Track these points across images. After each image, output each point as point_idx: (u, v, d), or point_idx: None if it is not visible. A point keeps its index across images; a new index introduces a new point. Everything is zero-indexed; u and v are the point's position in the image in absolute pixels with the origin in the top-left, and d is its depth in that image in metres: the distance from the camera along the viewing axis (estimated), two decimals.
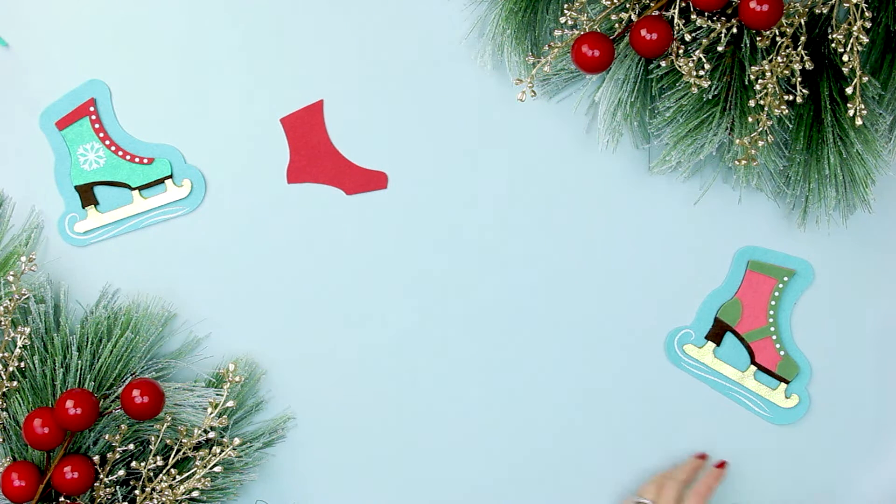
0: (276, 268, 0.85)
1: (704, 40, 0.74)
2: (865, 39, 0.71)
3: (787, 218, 0.84)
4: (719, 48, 0.74)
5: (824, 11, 0.74)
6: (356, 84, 0.85)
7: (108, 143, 0.84)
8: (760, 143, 0.73)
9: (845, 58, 0.72)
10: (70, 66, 0.84)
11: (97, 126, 0.84)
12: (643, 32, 0.71)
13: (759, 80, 0.73)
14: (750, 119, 0.74)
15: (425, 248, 0.85)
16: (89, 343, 0.80)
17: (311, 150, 0.84)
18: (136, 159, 0.85)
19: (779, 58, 0.74)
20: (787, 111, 0.75)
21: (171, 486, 0.78)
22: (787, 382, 0.85)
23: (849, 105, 0.72)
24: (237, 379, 0.79)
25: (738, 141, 0.74)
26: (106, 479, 0.78)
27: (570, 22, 0.74)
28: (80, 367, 0.79)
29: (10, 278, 0.77)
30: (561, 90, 0.84)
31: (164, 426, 0.78)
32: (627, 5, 0.74)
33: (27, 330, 0.77)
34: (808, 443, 0.86)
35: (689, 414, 0.86)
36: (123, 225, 0.85)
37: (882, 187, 0.82)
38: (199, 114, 0.85)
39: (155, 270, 0.85)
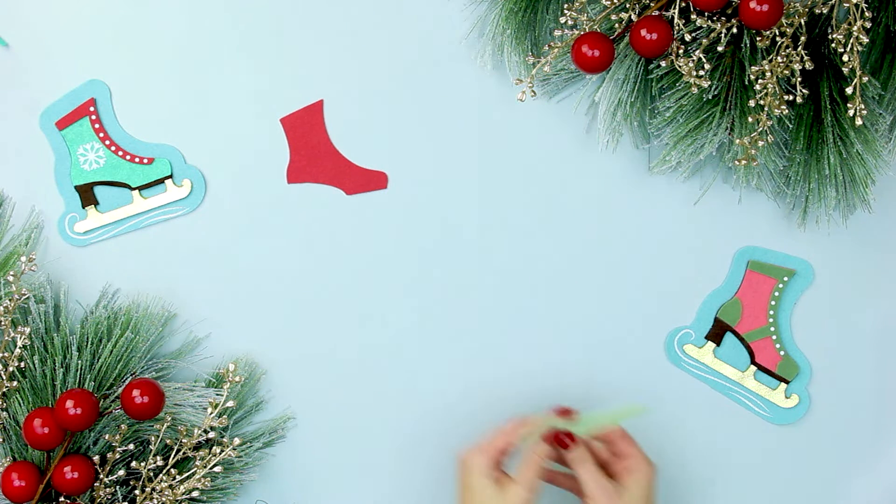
0: (276, 268, 0.85)
1: (704, 40, 0.74)
2: (865, 39, 0.71)
3: (787, 218, 0.84)
4: (719, 48, 0.74)
5: (824, 11, 0.74)
6: (356, 84, 0.85)
7: (108, 143, 0.84)
8: (760, 143, 0.73)
9: (845, 58, 0.72)
10: (70, 66, 0.84)
11: (97, 126, 0.84)
12: (643, 32, 0.71)
13: (759, 80, 0.73)
14: (750, 119, 0.74)
15: (425, 248, 0.85)
16: (89, 343, 0.80)
17: (311, 150, 0.84)
18: (136, 159, 0.85)
19: (779, 58, 0.74)
20: (787, 111, 0.75)
21: (171, 486, 0.78)
22: (787, 382, 0.85)
23: (849, 105, 0.72)
24: (237, 379, 0.79)
25: (738, 141, 0.74)
26: (106, 479, 0.78)
27: (570, 22, 0.74)
28: (80, 367, 0.79)
29: (10, 278, 0.77)
30: (561, 90, 0.84)
31: (164, 426, 0.78)
32: (627, 5, 0.74)
33: (27, 330, 0.77)
34: (808, 443, 0.86)
35: (689, 414, 0.86)
36: (123, 225, 0.85)
37: (882, 187, 0.82)
38: (199, 114, 0.85)
39: (155, 270, 0.85)
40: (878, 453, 0.86)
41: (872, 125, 0.76)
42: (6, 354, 0.77)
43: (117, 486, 0.79)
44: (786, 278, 0.84)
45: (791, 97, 0.74)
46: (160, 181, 0.85)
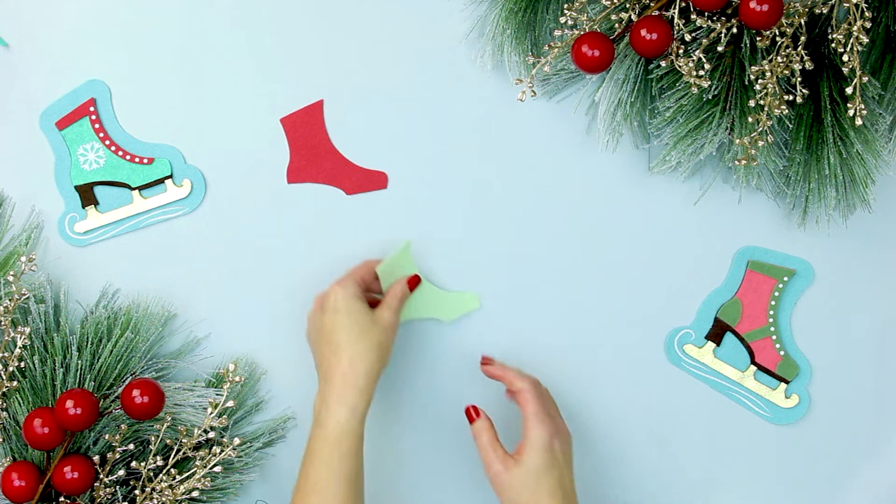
0: (276, 268, 0.85)
1: (704, 40, 0.74)
2: (865, 39, 0.71)
3: (787, 218, 0.84)
4: (719, 48, 0.74)
5: (824, 11, 0.74)
6: (356, 84, 0.85)
7: (108, 143, 0.84)
8: (760, 143, 0.73)
9: (845, 58, 0.72)
10: (70, 66, 0.84)
11: (97, 126, 0.84)
12: (643, 32, 0.71)
13: (759, 80, 0.73)
14: (750, 119, 0.74)
15: (425, 247, 0.85)
16: (89, 343, 0.80)
17: (311, 150, 0.84)
18: (136, 159, 0.85)
19: (779, 58, 0.74)
20: (787, 111, 0.75)
21: (171, 486, 0.78)
22: (787, 382, 0.85)
23: (849, 105, 0.72)
24: (237, 379, 0.79)
25: (738, 141, 0.74)
26: (106, 479, 0.78)
27: (570, 22, 0.74)
28: (80, 367, 0.79)
29: (10, 278, 0.77)
30: (561, 90, 0.84)
31: (164, 426, 0.78)
32: (627, 5, 0.74)
33: (27, 330, 0.77)
34: (808, 443, 0.86)
35: (689, 414, 0.86)
36: (123, 225, 0.85)
37: (882, 187, 0.82)
38: (199, 114, 0.85)
39: (155, 270, 0.85)
40: (878, 453, 0.86)
41: (872, 125, 0.76)
42: (6, 354, 0.77)
43: (117, 486, 0.79)
44: (786, 278, 0.84)
45: (791, 97, 0.74)
46: (160, 181, 0.85)
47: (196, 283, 0.85)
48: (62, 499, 0.76)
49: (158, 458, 0.78)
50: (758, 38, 0.74)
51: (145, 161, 0.85)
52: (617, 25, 0.75)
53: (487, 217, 0.85)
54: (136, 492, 0.78)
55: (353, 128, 0.85)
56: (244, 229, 0.85)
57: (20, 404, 0.78)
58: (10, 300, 0.77)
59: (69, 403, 0.73)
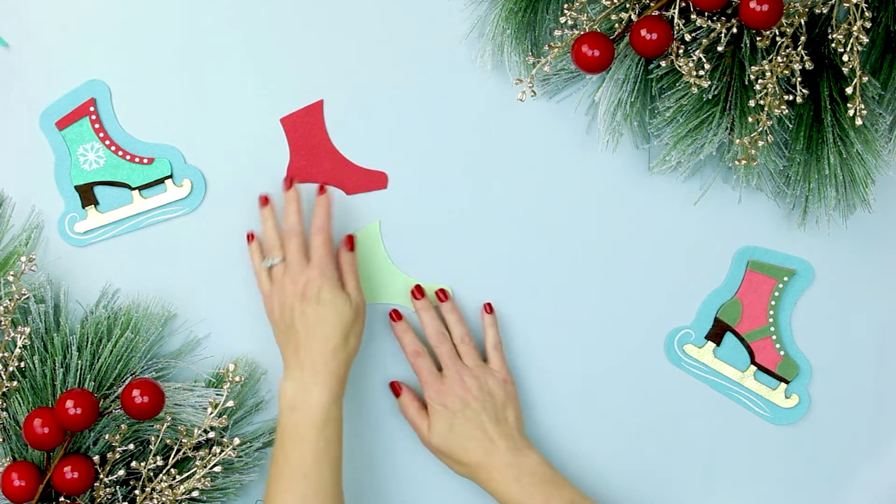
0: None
1: (704, 40, 0.74)
2: (865, 39, 0.71)
3: (787, 218, 0.84)
4: (719, 48, 0.74)
5: (824, 11, 0.74)
6: (356, 84, 0.85)
7: (108, 143, 0.84)
8: (760, 143, 0.73)
9: (845, 58, 0.72)
10: (70, 66, 0.84)
11: (97, 126, 0.84)
12: (643, 32, 0.71)
13: (759, 80, 0.73)
14: (750, 119, 0.74)
15: (423, 246, 0.85)
16: (89, 343, 0.80)
17: (311, 150, 0.84)
18: (136, 159, 0.85)
19: (779, 58, 0.74)
20: (787, 111, 0.75)
21: (171, 486, 0.78)
22: (787, 382, 0.85)
23: (849, 105, 0.72)
24: (237, 379, 0.79)
25: (738, 141, 0.74)
26: (106, 479, 0.78)
27: (570, 22, 0.74)
28: (80, 367, 0.79)
29: (10, 278, 0.77)
30: (561, 90, 0.84)
31: (164, 426, 0.78)
32: (627, 5, 0.74)
33: (27, 330, 0.77)
34: (808, 443, 0.86)
35: (689, 414, 0.86)
36: (123, 225, 0.85)
37: (882, 187, 0.82)
38: (199, 114, 0.85)
39: (155, 270, 0.85)
40: (878, 453, 0.86)
41: (872, 125, 0.76)
42: (6, 354, 0.77)
43: (117, 486, 0.79)
44: (786, 278, 0.84)
45: (791, 97, 0.74)
46: (160, 181, 0.85)
47: (196, 283, 0.85)
48: (62, 499, 0.76)
49: (158, 458, 0.78)
50: (758, 38, 0.74)
51: (145, 161, 0.85)
52: (617, 25, 0.75)
53: (487, 217, 0.85)
54: (136, 492, 0.78)
55: (353, 128, 0.85)
56: (244, 229, 0.85)
57: (20, 404, 0.78)
58: (10, 300, 0.77)
59: (69, 403, 0.73)
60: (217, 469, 0.79)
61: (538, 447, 0.81)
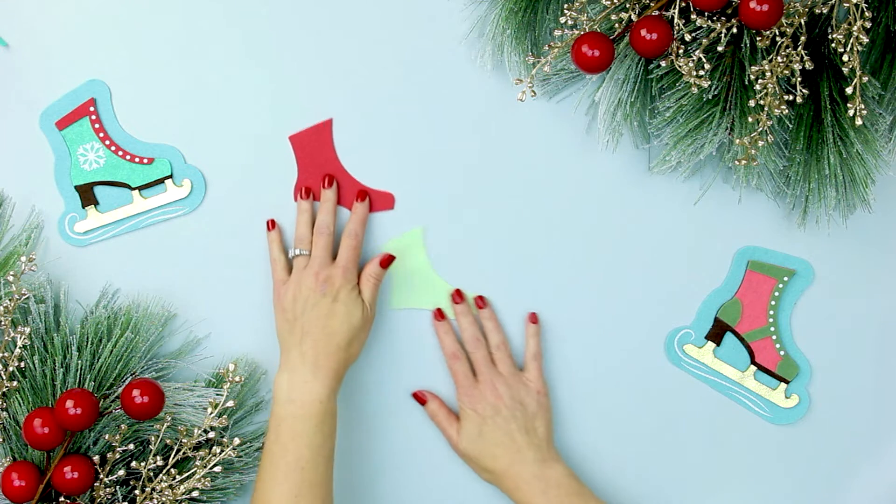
0: None
1: (704, 40, 0.74)
2: (865, 39, 0.71)
3: (787, 218, 0.84)
4: (719, 48, 0.74)
5: (824, 11, 0.74)
6: (355, 84, 0.85)
7: (108, 143, 0.84)
8: (760, 143, 0.73)
9: (845, 58, 0.72)
10: (70, 66, 0.84)
11: (97, 126, 0.84)
12: (643, 32, 0.71)
13: (759, 80, 0.73)
14: (750, 119, 0.74)
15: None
16: (89, 343, 0.80)
17: (319, 170, 0.84)
18: (136, 159, 0.85)
19: (779, 58, 0.74)
20: (787, 111, 0.75)
21: (171, 486, 0.78)
22: (787, 382, 0.85)
23: (849, 105, 0.72)
24: (237, 379, 0.79)
25: (738, 141, 0.74)
26: (106, 479, 0.78)
27: (570, 22, 0.74)
28: (80, 367, 0.79)
29: (10, 278, 0.77)
30: (561, 90, 0.84)
31: (164, 426, 0.78)
32: (627, 5, 0.74)
33: (27, 330, 0.77)
34: (808, 443, 0.86)
35: (689, 414, 0.86)
36: (123, 225, 0.85)
37: (882, 187, 0.82)
38: (199, 114, 0.85)
39: (155, 270, 0.85)
40: (878, 453, 0.86)
41: (872, 125, 0.76)
42: (6, 354, 0.77)
43: (117, 486, 0.79)
44: (786, 278, 0.84)
45: (791, 97, 0.74)
46: (160, 181, 0.85)
47: (196, 283, 0.85)
48: (62, 499, 0.76)
49: (158, 458, 0.78)
50: (758, 38, 0.74)
51: (145, 161, 0.85)
52: (617, 25, 0.75)
53: (487, 217, 0.85)
54: (136, 492, 0.78)
55: (352, 126, 0.85)
56: (244, 229, 0.85)
57: (20, 404, 0.78)
58: (10, 300, 0.77)
59: (69, 403, 0.73)
60: (217, 469, 0.79)
61: None
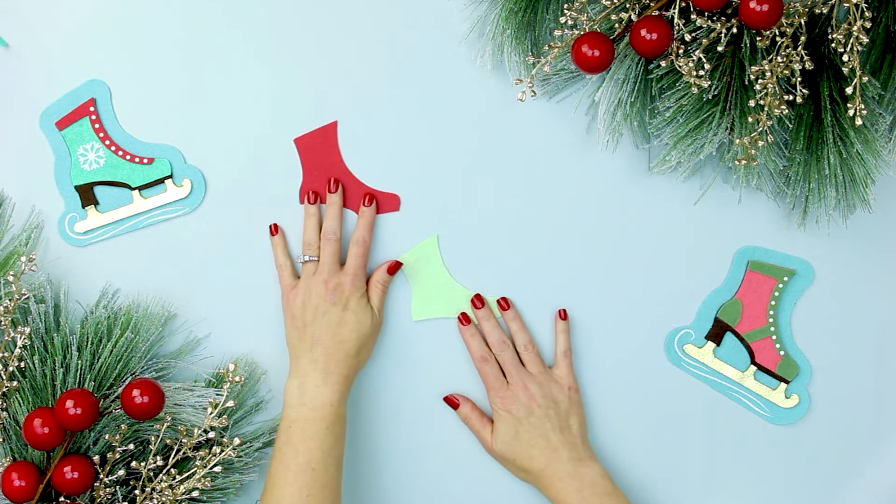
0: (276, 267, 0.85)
1: (704, 40, 0.74)
2: (865, 39, 0.71)
3: (787, 218, 0.84)
4: (719, 48, 0.74)
5: (824, 11, 0.74)
6: (353, 84, 0.85)
7: (108, 143, 0.84)
8: (760, 143, 0.73)
9: (845, 58, 0.72)
10: (70, 66, 0.84)
11: (97, 126, 0.84)
12: (643, 32, 0.71)
13: (759, 80, 0.73)
14: (750, 119, 0.74)
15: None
16: (89, 343, 0.80)
17: (325, 172, 0.84)
18: (136, 159, 0.85)
19: (779, 58, 0.74)
20: (787, 111, 0.75)
21: (171, 486, 0.78)
22: (787, 382, 0.85)
23: (849, 105, 0.72)
24: (237, 379, 0.79)
25: (738, 141, 0.74)
26: (106, 479, 0.78)
27: (570, 22, 0.74)
28: (80, 367, 0.79)
29: (10, 278, 0.77)
30: (561, 90, 0.84)
31: (164, 426, 0.78)
32: (627, 5, 0.74)
33: (27, 330, 0.77)
34: (808, 443, 0.86)
35: (689, 414, 0.86)
36: (123, 225, 0.85)
37: (882, 187, 0.82)
38: (200, 114, 0.85)
39: (155, 270, 0.85)
40: (878, 453, 0.86)
41: (872, 125, 0.76)
42: (6, 354, 0.77)
43: (117, 486, 0.79)
44: (786, 278, 0.84)
45: (791, 97, 0.74)
46: (160, 181, 0.85)
47: (196, 283, 0.85)
48: (62, 499, 0.76)
49: (158, 458, 0.78)
50: (758, 38, 0.74)
51: (145, 161, 0.85)
52: (617, 25, 0.75)
53: (486, 217, 0.85)
54: (136, 492, 0.78)
55: (351, 125, 0.85)
56: (244, 229, 0.85)
57: (20, 404, 0.78)
58: (10, 300, 0.77)
59: (69, 403, 0.73)
60: (217, 469, 0.79)
61: None
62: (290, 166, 0.85)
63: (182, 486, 0.78)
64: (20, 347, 0.77)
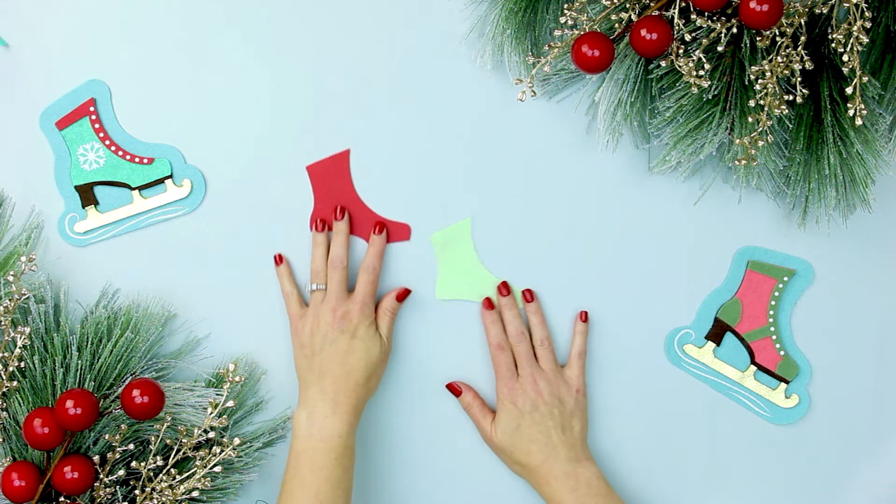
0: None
1: (704, 40, 0.74)
2: (865, 39, 0.71)
3: (787, 218, 0.84)
4: (719, 48, 0.74)
5: (824, 11, 0.74)
6: (353, 85, 0.85)
7: (108, 143, 0.84)
8: (760, 143, 0.73)
9: (845, 58, 0.72)
10: (70, 66, 0.84)
11: (97, 126, 0.84)
12: (643, 32, 0.71)
13: (759, 80, 0.73)
14: (750, 119, 0.74)
15: (418, 242, 0.85)
16: (89, 343, 0.80)
17: (336, 200, 0.84)
18: (136, 159, 0.85)
19: (779, 58, 0.74)
20: (787, 111, 0.75)
21: (171, 486, 0.78)
22: (787, 382, 0.85)
23: (849, 105, 0.72)
24: (237, 379, 0.79)
25: (738, 141, 0.74)
26: (106, 479, 0.78)
27: (570, 22, 0.74)
28: (80, 367, 0.79)
29: (10, 278, 0.77)
30: (561, 90, 0.84)
31: (164, 426, 0.78)
32: (627, 5, 0.74)
33: (27, 330, 0.77)
34: (808, 443, 0.86)
35: (689, 414, 0.86)
36: (123, 225, 0.85)
37: (882, 187, 0.82)
38: (199, 114, 0.85)
39: (155, 270, 0.85)
40: (878, 453, 0.86)
41: (872, 125, 0.76)
42: (6, 354, 0.77)
43: (117, 486, 0.79)
44: (786, 278, 0.84)
45: (791, 97, 0.74)
46: (160, 181, 0.85)
47: (196, 283, 0.85)
48: (62, 499, 0.76)
49: (158, 458, 0.78)
50: (758, 38, 0.74)
51: (145, 161, 0.85)
52: (617, 25, 0.75)
53: (486, 217, 0.85)
54: (136, 492, 0.78)
55: (349, 121, 0.85)
56: (244, 229, 0.85)
57: (20, 404, 0.78)
58: (10, 300, 0.77)
59: (69, 403, 0.73)
60: (217, 469, 0.79)
61: None
62: (290, 166, 0.85)
63: (182, 486, 0.78)
64: (20, 347, 0.77)
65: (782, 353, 0.85)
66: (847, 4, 0.71)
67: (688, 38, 0.74)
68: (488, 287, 0.85)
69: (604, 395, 0.86)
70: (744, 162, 0.74)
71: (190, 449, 0.79)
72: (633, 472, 0.86)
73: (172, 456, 0.79)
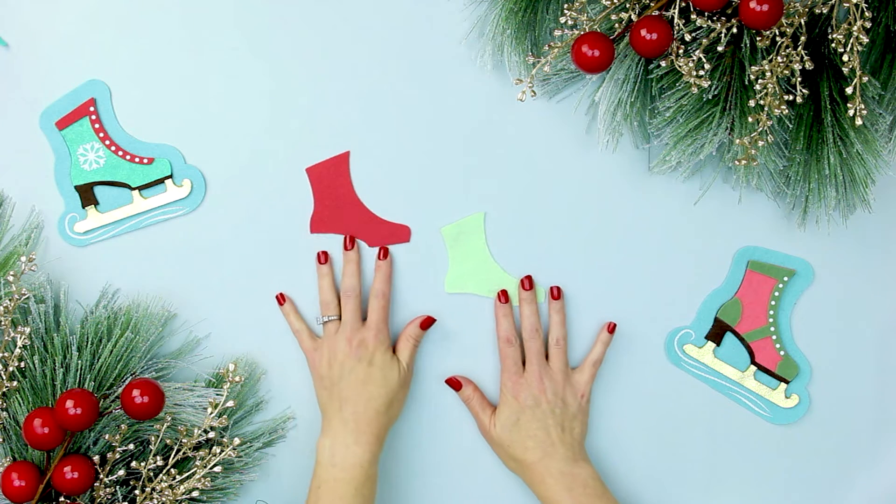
0: (276, 268, 0.85)
1: (704, 40, 0.74)
2: (865, 39, 0.71)
3: (787, 218, 0.84)
4: (719, 48, 0.74)
5: (824, 11, 0.74)
6: (352, 84, 0.85)
7: (108, 143, 0.84)
8: (760, 143, 0.73)
9: (845, 58, 0.72)
10: (70, 66, 0.84)
11: (97, 126, 0.84)
12: (643, 32, 0.71)
13: (759, 80, 0.73)
14: (750, 119, 0.74)
15: (418, 241, 0.85)
16: (89, 343, 0.80)
17: (336, 202, 0.84)
18: (136, 159, 0.85)
19: (779, 58, 0.74)
20: (787, 111, 0.75)
21: (171, 486, 0.78)
22: (787, 382, 0.85)
23: (849, 105, 0.72)
24: (237, 379, 0.79)
25: (738, 141, 0.74)
26: (106, 479, 0.78)
27: (570, 22, 0.74)
28: (80, 367, 0.79)
29: (10, 278, 0.77)
30: (561, 90, 0.84)
31: (164, 426, 0.78)
32: (627, 5, 0.74)
33: (27, 330, 0.77)
34: (808, 443, 0.86)
35: (689, 414, 0.86)
36: (123, 225, 0.85)
37: (882, 187, 0.82)
38: (199, 114, 0.85)
39: (155, 270, 0.85)
40: (878, 453, 0.86)
41: (872, 125, 0.76)
42: (6, 354, 0.77)
43: (117, 486, 0.79)
44: (786, 278, 0.84)
45: (791, 97, 0.74)
46: (160, 181, 0.85)
47: (196, 283, 0.85)
48: (62, 499, 0.76)
49: (158, 458, 0.78)
50: (758, 38, 0.74)
51: (145, 161, 0.85)
52: (617, 25, 0.75)
53: (486, 216, 0.85)
54: (136, 492, 0.78)
55: (347, 120, 0.85)
56: (244, 229, 0.85)
57: (20, 404, 0.78)
58: (10, 300, 0.77)
59: (69, 403, 0.73)
60: (217, 469, 0.79)
61: None
62: (290, 166, 0.85)
63: (182, 486, 0.78)
64: (20, 347, 0.77)
65: (782, 353, 0.85)
66: (847, 4, 0.71)
67: (688, 38, 0.74)
68: (497, 282, 0.85)
69: (603, 394, 0.86)
70: (744, 162, 0.74)
71: (190, 449, 0.79)
72: (633, 471, 0.86)
73: (172, 456, 0.79)
